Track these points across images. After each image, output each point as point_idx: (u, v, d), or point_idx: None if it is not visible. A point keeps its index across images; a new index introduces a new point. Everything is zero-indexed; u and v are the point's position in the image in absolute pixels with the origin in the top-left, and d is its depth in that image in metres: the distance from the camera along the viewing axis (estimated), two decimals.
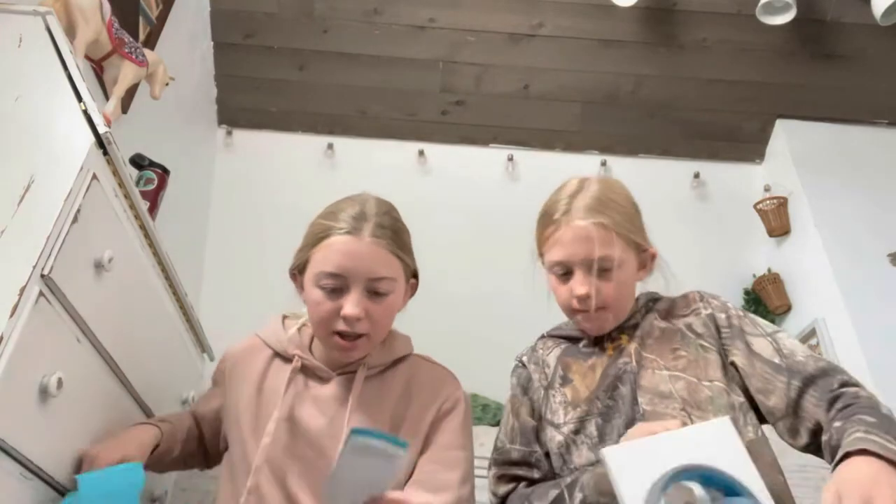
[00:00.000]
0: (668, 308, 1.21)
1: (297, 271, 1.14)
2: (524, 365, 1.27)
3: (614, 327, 1.19)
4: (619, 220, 1.15)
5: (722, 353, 1.12)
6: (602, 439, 1.09)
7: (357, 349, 1.09)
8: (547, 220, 1.19)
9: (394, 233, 1.11)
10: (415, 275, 1.19)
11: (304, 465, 1.04)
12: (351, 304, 1.04)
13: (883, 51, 2.82)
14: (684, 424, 0.98)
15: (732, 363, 1.11)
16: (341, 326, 1.05)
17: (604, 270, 1.13)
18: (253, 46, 2.84)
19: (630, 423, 1.06)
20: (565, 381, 1.18)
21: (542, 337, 1.31)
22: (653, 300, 1.24)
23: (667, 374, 1.10)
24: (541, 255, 1.24)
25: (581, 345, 1.22)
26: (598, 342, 1.20)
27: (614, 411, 1.10)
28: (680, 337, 1.15)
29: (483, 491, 1.51)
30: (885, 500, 0.78)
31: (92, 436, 1.09)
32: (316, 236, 1.10)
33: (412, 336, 1.25)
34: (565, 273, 1.16)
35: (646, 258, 1.21)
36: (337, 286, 1.06)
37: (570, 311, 1.19)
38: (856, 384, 1.02)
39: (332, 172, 2.98)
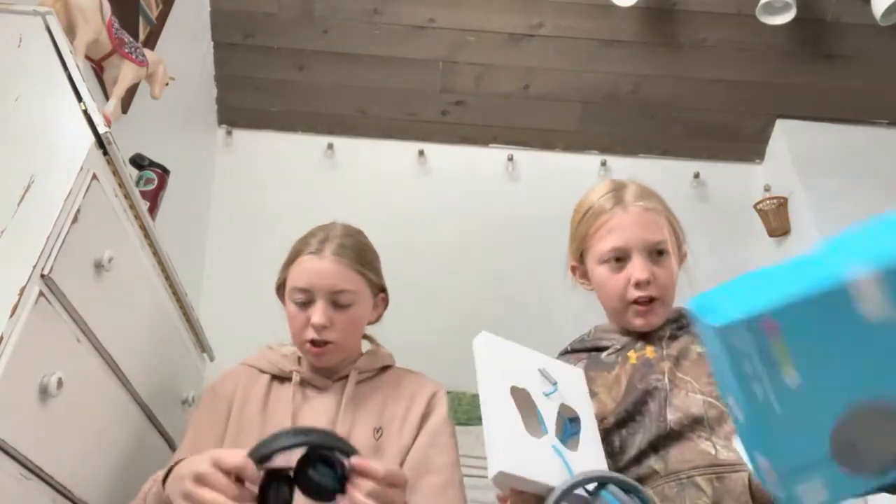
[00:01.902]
0: None
1: (282, 289, 1.29)
2: None
3: (649, 330, 1.18)
4: (668, 209, 1.20)
5: None
6: (623, 451, 1.08)
7: (326, 355, 1.21)
8: (597, 212, 1.18)
9: (354, 252, 1.25)
10: (383, 290, 1.32)
11: None
12: (316, 314, 1.19)
13: (883, 51, 2.82)
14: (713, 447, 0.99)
15: None
16: (311, 335, 1.20)
17: (659, 255, 1.14)
18: (253, 46, 2.84)
19: (653, 440, 1.05)
20: (591, 395, 1.15)
21: (564, 353, 1.28)
22: (688, 318, 1.21)
23: (700, 399, 1.07)
24: (581, 254, 1.22)
25: (604, 355, 1.20)
26: (623, 351, 1.18)
27: (639, 426, 1.09)
28: None
29: (481, 491, 1.51)
30: None
31: (92, 436, 1.09)
32: (289, 259, 1.28)
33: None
34: (619, 260, 1.15)
35: (681, 256, 1.22)
36: (306, 300, 1.21)
37: (624, 304, 1.16)
38: None
39: (332, 172, 2.98)
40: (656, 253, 1.14)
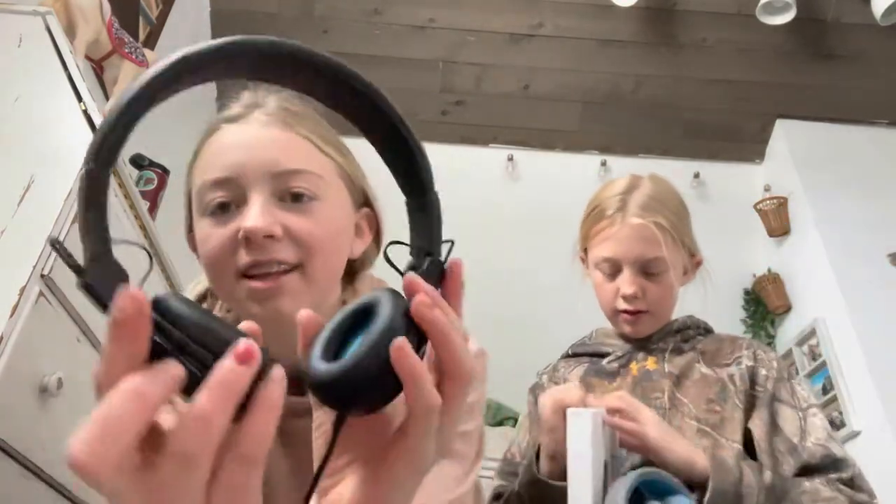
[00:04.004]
0: (714, 353, 1.14)
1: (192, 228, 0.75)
2: (543, 385, 1.23)
3: (645, 337, 1.16)
4: (675, 222, 1.14)
5: (747, 411, 1.06)
6: (622, 465, 1.07)
7: (283, 291, 0.65)
8: (599, 215, 1.15)
9: (310, 119, 0.72)
10: (367, 203, 0.79)
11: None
12: (252, 215, 0.64)
13: (883, 51, 2.82)
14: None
15: (748, 429, 1.04)
16: (244, 259, 0.65)
17: (653, 273, 1.11)
18: None
19: (647, 460, 1.04)
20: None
21: (566, 356, 1.26)
22: (695, 329, 1.19)
23: (695, 426, 1.04)
24: (584, 250, 1.21)
25: (605, 362, 1.18)
26: (624, 358, 1.17)
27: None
28: (720, 388, 1.08)
29: (485, 492, 1.50)
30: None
31: None
32: (196, 149, 0.73)
33: None
34: (612, 272, 1.13)
35: (690, 264, 1.18)
36: (228, 199, 0.67)
37: (613, 312, 1.15)
38: (851, 485, 0.96)
39: None
40: (650, 268, 1.12)
